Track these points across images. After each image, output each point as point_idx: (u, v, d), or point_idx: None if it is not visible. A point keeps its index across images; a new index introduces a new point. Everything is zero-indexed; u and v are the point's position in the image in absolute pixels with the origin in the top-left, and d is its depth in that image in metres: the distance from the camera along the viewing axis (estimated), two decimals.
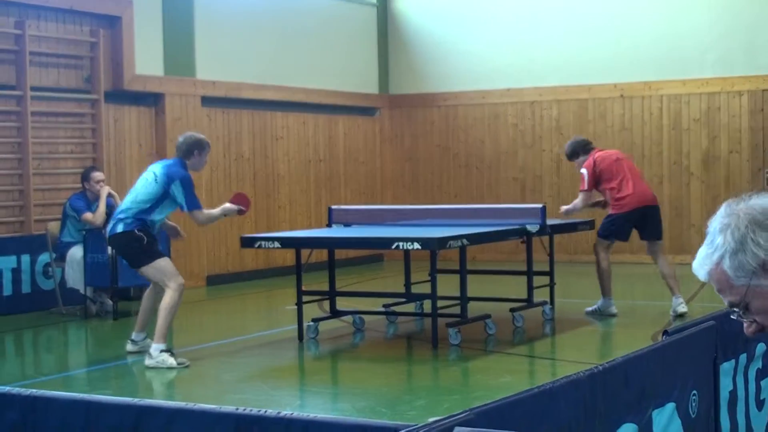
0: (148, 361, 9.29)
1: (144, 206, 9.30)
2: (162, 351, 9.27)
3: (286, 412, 2.98)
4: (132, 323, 12.08)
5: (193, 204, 9.33)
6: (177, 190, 9.27)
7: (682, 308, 11.31)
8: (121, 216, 9.34)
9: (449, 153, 18.79)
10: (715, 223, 2.72)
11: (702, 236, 2.73)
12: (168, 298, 9.29)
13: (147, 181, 9.41)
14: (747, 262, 2.65)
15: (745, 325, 2.76)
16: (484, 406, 2.85)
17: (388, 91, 19.25)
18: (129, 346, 9.89)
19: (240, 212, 9.76)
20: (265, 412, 3.00)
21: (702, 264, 2.74)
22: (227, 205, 9.77)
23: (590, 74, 17.65)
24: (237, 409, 3.04)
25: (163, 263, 9.41)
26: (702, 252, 2.74)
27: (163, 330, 9.27)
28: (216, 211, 9.69)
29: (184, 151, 9.49)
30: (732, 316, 2.79)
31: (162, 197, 9.30)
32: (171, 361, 9.25)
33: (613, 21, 17.43)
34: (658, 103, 17.25)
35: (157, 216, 9.38)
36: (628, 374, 3.62)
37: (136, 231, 9.27)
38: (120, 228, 9.30)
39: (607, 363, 3.51)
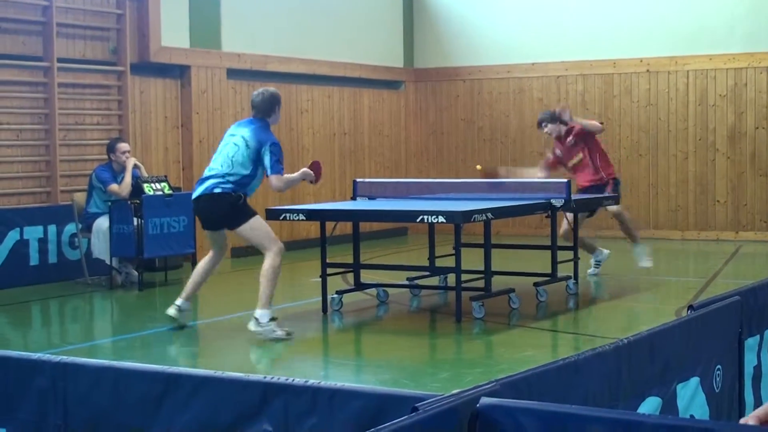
0: (254, 328, 9.13)
1: (245, 171, 9.17)
2: (270, 319, 9.13)
3: (312, 381, 3.00)
4: (157, 294, 12.17)
5: (276, 169, 9.12)
6: (266, 155, 9.09)
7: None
8: (218, 179, 9.18)
9: (474, 127, 18.76)
10: None
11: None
12: (270, 261, 9.15)
13: (237, 146, 9.21)
14: None
15: None
16: (510, 377, 2.86)
17: (413, 65, 19.21)
18: (171, 311, 9.56)
19: (312, 181, 9.68)
20: (293, 380, 3.02)
21: None
22: (306, 169, 9.63)
23: (616, 48, 17.57)
24: (264, 377, 3.06)
25: (262, 224, 9.33)
26: None
27: (268, 296, 9.14)
28: (296, 175, 9.53)
29: (264, 109, 9.32)
30: None
31: (258, 161, 9.16)
32: (279, 332, 9.13)
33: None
34: (684, 79, 17.16)
35: (257, 182, 9.29)
36: (654, 348, 3.63)
37: (233, 193, 9.16)
38: (217, 189, 9.16)
39: (632, 336, 3.52)
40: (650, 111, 17.37)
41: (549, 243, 11.34)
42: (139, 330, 10.03)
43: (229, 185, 9.14)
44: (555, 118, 12.38)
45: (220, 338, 9.57)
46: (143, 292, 12.12)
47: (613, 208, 12.39)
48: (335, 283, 11.23)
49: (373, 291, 11.21)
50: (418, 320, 10.64)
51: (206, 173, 9.44)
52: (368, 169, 18.07)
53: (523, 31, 18.17)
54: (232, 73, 15.54)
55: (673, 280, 13.16)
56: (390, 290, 11.24)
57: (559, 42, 17.90)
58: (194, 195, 9.47)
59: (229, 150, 9.24)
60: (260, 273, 9.19)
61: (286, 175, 9.32)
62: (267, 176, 9.17)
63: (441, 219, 9.43)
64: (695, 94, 17.09)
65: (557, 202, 10.80)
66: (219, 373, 3.17)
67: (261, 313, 9.14)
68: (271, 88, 9.67)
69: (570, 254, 11.63)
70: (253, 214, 9.30)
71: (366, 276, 11.34)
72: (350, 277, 11.34)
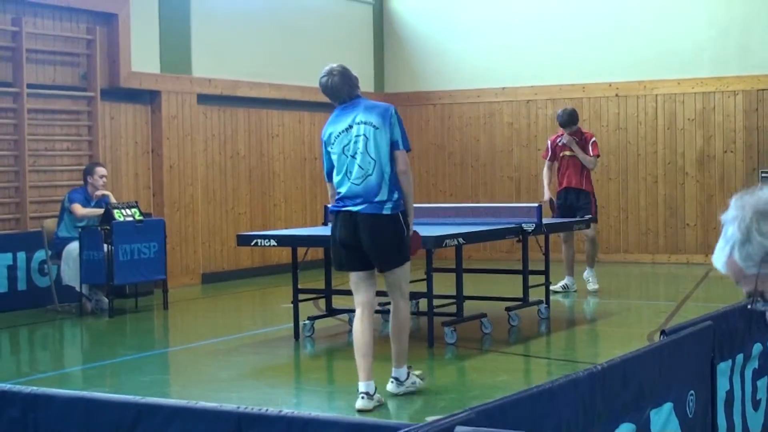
0: (396, 389, 7.78)
1: (394, 177, 7.46)
2: (409, 373, 7.86)
3: (287, 411, 2.98)
4: (128, 321, 12.09)
5: (407, 143, 7.61)
6: (396, 131, 7.51)
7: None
8: (384, 197, 7.38)
9: (444, 151, 18.78)
10: (727, 215, 2.80)
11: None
12: (406, 311, 7.71)
13: (367, 138, 7.44)
14: (754, 252, 2.72)
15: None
16: (485, 405, 2.85)
17: (383, 90, 19.23)
18: (365, 402, 7.42)
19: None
20: (266, 410, 3.00)
21: (718, 256, 2.84)
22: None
23: (585, 73, 17.65)
24: (238, 407, 3.04)
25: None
26: (718, 245, 2.83)
27: (407, 350, 7.78)
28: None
29: (353, 86, 7.64)
30: (748, 306, 2.84)
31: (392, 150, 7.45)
32: (417, 381, 7.92)
33: (608, 20, 17.43)
34: (653, 103, 17.25)
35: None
36: (627, 374, 3.63)
37: (401, 215, 7.48)
38: (388, 210, 7.38)
39: (606, 363, 3.52)
40: (620, 135, 17.45)
41: (520, 267, 11.32)
42: (110, 358, 9.96)
43: (393, 203, 7.46)
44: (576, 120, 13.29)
45: (193, 366, 9.50)
46: (114, 319, 12.04)
47: (589, 232, 12.64)
48: (307, 308, 11.19)
49: (345, 316, 11.16)
50: (390, 346, 10.57)
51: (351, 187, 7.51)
52: None
53: (493, 55, 18.23)
54: (203, 98, 15.51)
55: (644, 303, 13.20)
56: None
57: (529, 67, 17.97)
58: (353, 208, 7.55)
59: (366, 146, 7.47)
60: (395, 326, 7.69)
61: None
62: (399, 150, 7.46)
63: None
64: (664, 118, 17.18)
65: (528, 227, 10.81)
66: (192, 403, 3.14)
67: (402, 372, 7.80)
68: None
69: (541, 278, 11.62)
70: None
71: (338, 301, 11.28)
72: (322, 302, 11.30)
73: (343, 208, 7.46)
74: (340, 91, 7.55)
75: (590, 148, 13.14)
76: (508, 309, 10.95)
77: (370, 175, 7.40)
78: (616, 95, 17.46)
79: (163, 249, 12.53)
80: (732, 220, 2.77)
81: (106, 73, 14.13)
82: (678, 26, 16.98)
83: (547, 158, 13.43)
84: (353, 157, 7.44)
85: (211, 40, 15.57)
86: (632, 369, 3.67)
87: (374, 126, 7.43)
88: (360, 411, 7.32)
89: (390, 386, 7.78)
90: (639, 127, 17.27)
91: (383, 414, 7.41)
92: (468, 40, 18.42)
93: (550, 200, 13.14)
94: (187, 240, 15.06)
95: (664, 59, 17.03)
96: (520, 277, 11.28)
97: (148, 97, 14.82)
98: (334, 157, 7.53)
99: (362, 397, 7.37)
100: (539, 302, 11.42)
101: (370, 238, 7.38)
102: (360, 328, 7.52)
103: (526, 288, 11.18)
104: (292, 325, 10.47)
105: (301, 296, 10.55)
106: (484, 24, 18.31)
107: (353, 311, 10.96)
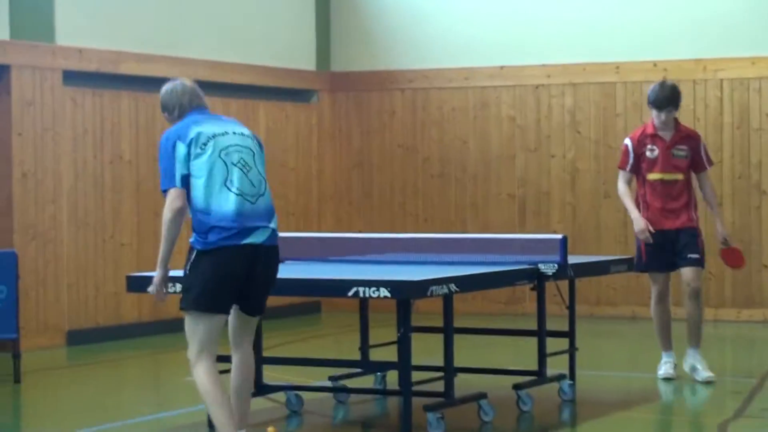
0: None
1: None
2: None
3: None
4: None
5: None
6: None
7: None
8: (273, 221, 8.60)
9: (417, 157, 18.70)
10: None
11: None
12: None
13: (252, 151, 8.61)
14: None
15: None
16: None
17: (329, 67, 19.19)
18: None
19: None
20: None
21: None
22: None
23: (619, 47, 17.67)
24: None
25: None
26: None
27: None
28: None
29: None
30: None
31: None
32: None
33: None
34: (716, 91, 17.27)
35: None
36: None
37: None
38: (276, 238, 8.63)
39: None
40: None
41: (534, 326, 11.21)
42: None
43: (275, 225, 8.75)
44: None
45: None
46: None
47: (694, 280, 12.03)
48: (225, 383, 11.00)
49: (281, 395, 11.03)
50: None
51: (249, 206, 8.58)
52: None
53: (488, 22, 18.22)
54: (71, 77, 15.36)
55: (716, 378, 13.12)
56: (305, 394, 11.06)
57: (539, 38, 17.95)
58: (250, 240, 8.56)
59: (251, 160, 8.59)
60: (248, 378, 8.96)
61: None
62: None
63: (384, 292, 9.25)
64: (732, 113, 17.19)
65: (547, 269, 10.70)
66: None
67: None
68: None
69: (563, 343, 11.52)
70: None
71: (271, 374, 11.20)
72: None
73: (245, 240, 8.44)
74: (201, 95, 8.72)
75: (704, 157, 12.28)
76: (516, 387, 10.86)
77: (262, 195, 8.52)
78: (664, 78, 17.41)
79: (13, 295, 12.48)
80: None
81: None
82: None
83: (627, 168, 12.29)
84: (243, 168, 8.48)
85: None
86: None
87: (259, 143, 8.71)
88: None
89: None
90: (696, 124, 17.23)
91: None
92: (453, 1, 18.42)
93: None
94: (47, 282, 14.92)
95: (733, 29, 17.06)
96: (533, 341, 11.19)
97: None
98: (204, 164, 8.38)
99: None
100: (561, 377, 11.33)
101: (270, 274, 8.69)
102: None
103: (542, 357, 11.10)
104: (202, 407, 10.26)
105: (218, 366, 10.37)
106: None
107: (293, 388, 10.93)
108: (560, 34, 17.88)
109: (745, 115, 17.17)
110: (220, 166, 8.29)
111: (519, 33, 18.08)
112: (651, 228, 11.84)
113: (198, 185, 8.26)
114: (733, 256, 12.36)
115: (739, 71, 17.16)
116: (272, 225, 8.50)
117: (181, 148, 8.24)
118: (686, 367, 12.14)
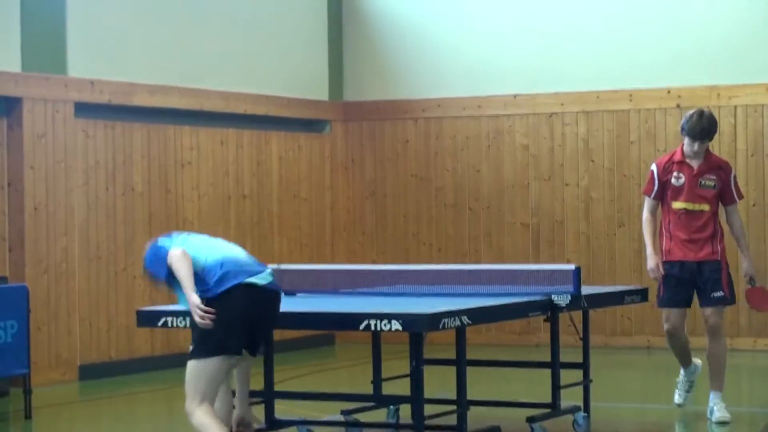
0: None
1: None
2: None
3: None
4: None
5: None
6: None
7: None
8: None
9: (430, 186, 18.66)
10: None
11: None
12: None
13: None
14: None
15: None
16: None
17: (342, 97, 19.16)
18: None
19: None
20: None
21: None
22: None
23: (633, 75, 17.63)
24: None
25: None
26: None
27: None
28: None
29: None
30: None
31: None
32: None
33: (667, 2, 17.45)
34: (730, 117, 17.21)
35: None
36: None
37: None
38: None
39: None
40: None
41: (547, 358, 11.15)
42: None
43: None
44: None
45: None
46: None
47: (714, 318, 11.74)
48: None
49: (293, 430, 10.95)
50: None
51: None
52: (279, 247, 17.90)
53: (502, 51, 18.18)
54: (83, 109, 15.34)
55: (745, 410, 13.02)
56: (318, 429, 11.01)
57: (553, 66, 17.93)
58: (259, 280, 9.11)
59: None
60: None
61: None
62: None
63: (396, 325, 9.20)
64: (746, 140, 17.14)
65: (561, 300, 10.64)
66: None
67: None
68: None
69: (578, 374, 11.47)
70: None
71: (282, 408, 11.15)
72: (260, 410, 11.06)
73: (261, 284, 8.93)
74: None
75: (734, 189, 11.75)
76: (530, 419, 10.79)
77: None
78: (678, 106, 17.40)
79: (24, 330, 12.45)
80: None
81: None
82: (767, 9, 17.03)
83: (652, 195, 11.84)
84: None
85: (94, 28, 15.50)
86: None
87: None
88: None
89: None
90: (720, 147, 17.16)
91: None
92: (465, 30, 18.42)
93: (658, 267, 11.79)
94: (59, 316, 14.85)
95: (747, 56, 17.02)
96: (546, 373, 11.12)
97: (2, 107, 14.66)
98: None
99: None
100: (575, 409, 11.26)
101: (274, 317, 9.16)
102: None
103: (556, 388, 11.03)
104: None
105: None
106: (489, 7, 18.29)
107: (306, 423, 10.85)
108: (573, 62, 17.86)
109: (760, 142, 17.11)
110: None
111: (532, 61, 18.05)
112: (662, 269, 11.59)
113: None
114: (759, 298, 11.91)
115: (753, 98, 17.11)
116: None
117: None
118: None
